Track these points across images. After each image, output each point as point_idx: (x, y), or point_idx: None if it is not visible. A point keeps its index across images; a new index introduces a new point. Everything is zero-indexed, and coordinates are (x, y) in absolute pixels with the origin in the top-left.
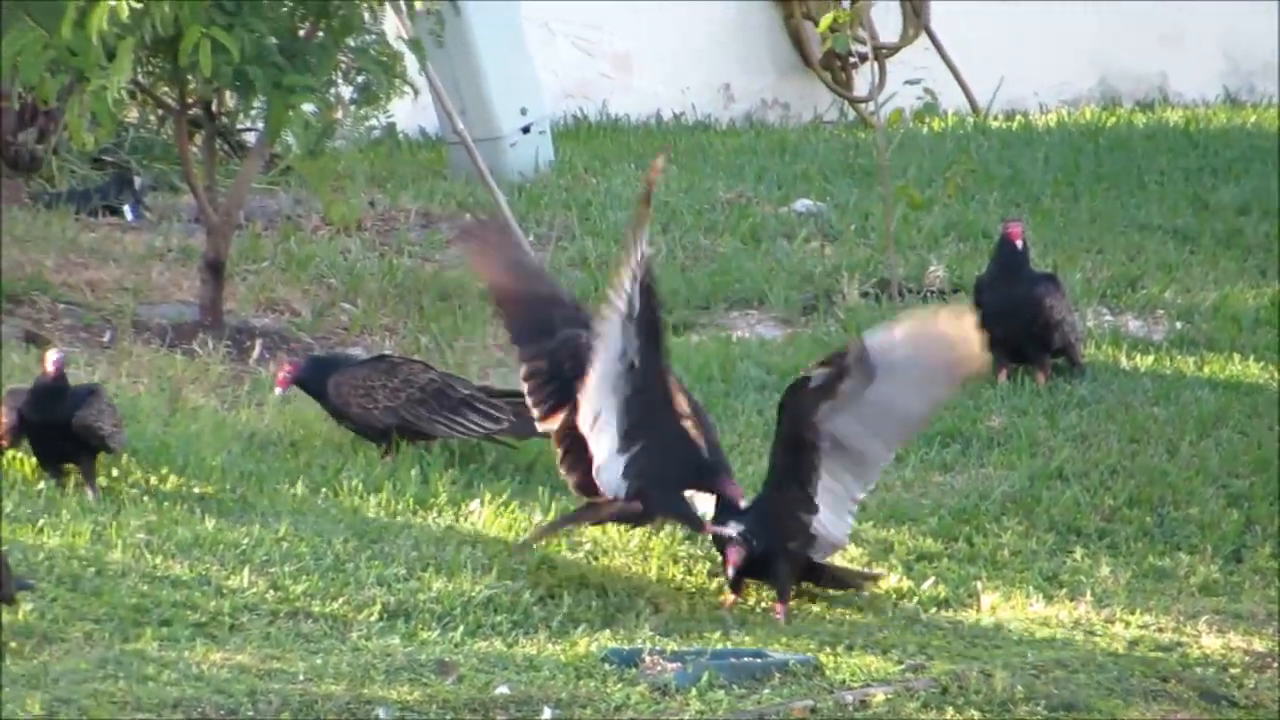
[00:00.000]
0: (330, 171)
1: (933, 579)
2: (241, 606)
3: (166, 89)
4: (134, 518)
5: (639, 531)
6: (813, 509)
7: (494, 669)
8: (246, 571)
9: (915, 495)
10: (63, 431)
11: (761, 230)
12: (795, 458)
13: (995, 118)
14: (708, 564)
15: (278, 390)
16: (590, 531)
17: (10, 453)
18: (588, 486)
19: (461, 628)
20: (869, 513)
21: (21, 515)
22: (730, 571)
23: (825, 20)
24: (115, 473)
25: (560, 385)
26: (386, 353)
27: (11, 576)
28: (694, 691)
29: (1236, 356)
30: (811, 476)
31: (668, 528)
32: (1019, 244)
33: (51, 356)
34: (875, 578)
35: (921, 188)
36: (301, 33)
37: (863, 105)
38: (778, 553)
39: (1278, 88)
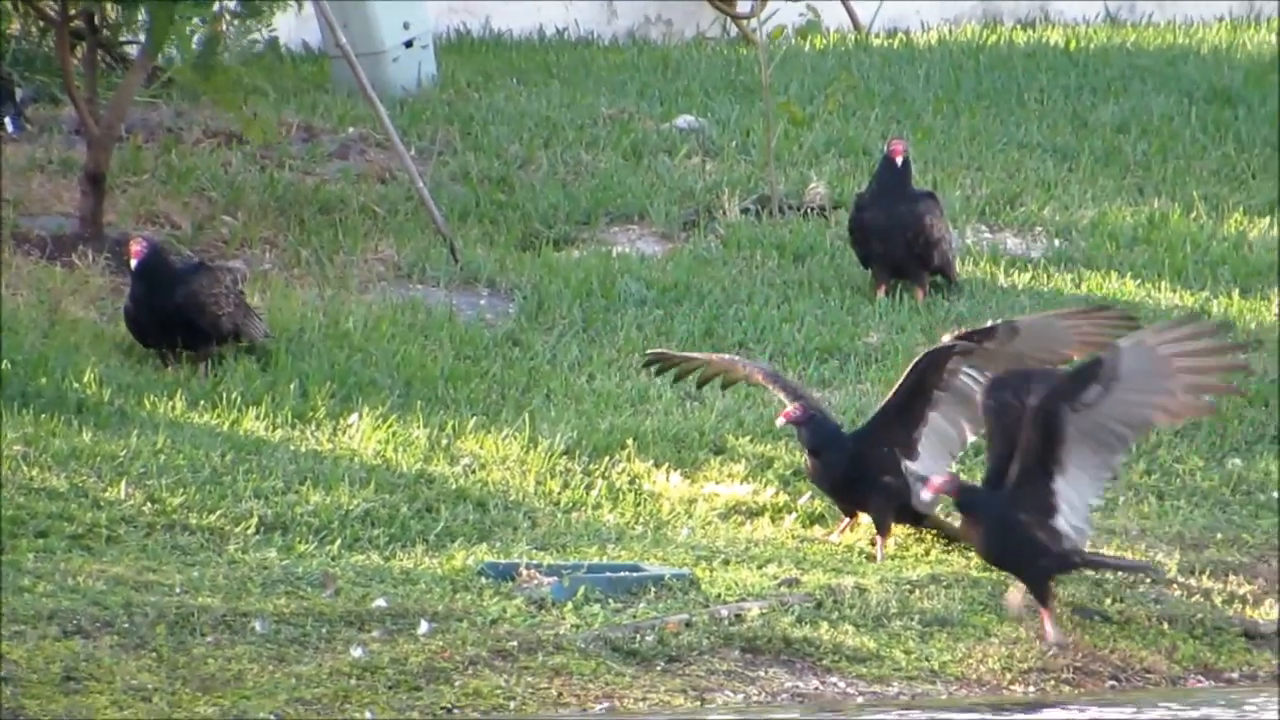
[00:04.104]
0: (241, 87)
1: (809, 494)
2: (118, 519)
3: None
4: (10, 429)
5: (516, 446)
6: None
7: (371, 582)
8: (123, 484)
9: None
10: None
11: (643, 146)
12: (1040, 443)
13: (877, 36)
14: (585, 479)
15: (132, 262)
16: (469, 445)
17: None
18: None
19: (339, 541)
20: (746, 428)
21: None
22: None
23: None
24: None
25: None
26: (201, 260)
27: None
28: (570, 605)
29: (1114, 274)
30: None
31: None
32: (900, 161)
33: None
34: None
35: (803, 105)
36: None
37: (745, 22)
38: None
39: (1156, 6)
